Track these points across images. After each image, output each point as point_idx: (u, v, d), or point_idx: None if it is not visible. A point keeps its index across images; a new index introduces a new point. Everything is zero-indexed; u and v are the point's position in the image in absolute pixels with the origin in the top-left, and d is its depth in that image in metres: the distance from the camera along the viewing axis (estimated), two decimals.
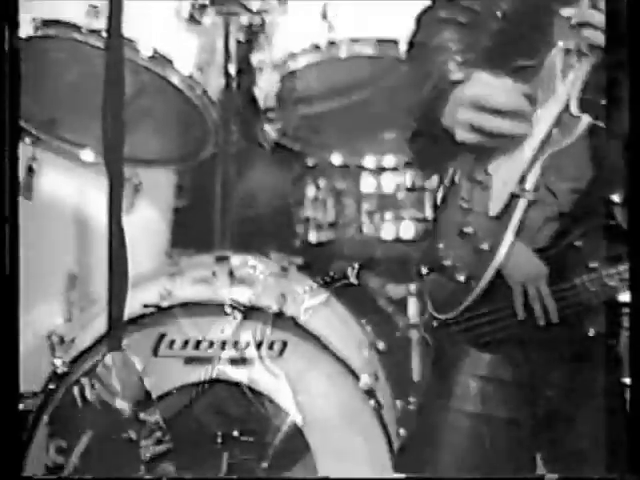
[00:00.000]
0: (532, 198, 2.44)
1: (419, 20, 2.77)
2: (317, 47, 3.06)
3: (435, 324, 2.59)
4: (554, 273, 2.52)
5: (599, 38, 2.38)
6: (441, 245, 2.56)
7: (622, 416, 2.59)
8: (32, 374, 2.83)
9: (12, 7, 2.58)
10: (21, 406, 2.81)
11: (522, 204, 2.42)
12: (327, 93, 3.25)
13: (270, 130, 3.18)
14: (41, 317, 2.90)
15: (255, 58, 3.11)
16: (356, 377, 2.80)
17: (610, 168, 2.47)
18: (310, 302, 3.04)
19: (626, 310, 2.74)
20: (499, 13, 2.66)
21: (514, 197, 2.43)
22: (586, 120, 2.35)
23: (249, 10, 3.01)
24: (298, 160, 3.31)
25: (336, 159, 3.26)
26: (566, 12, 2.52)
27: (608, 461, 2.65)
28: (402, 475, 2.64)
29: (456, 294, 2.51)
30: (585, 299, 2.54)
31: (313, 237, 3.28)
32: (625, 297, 2.66)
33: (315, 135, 3.30)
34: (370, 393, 2.79)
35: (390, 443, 2.82)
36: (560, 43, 2.46)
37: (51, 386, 2.77)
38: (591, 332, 2.54)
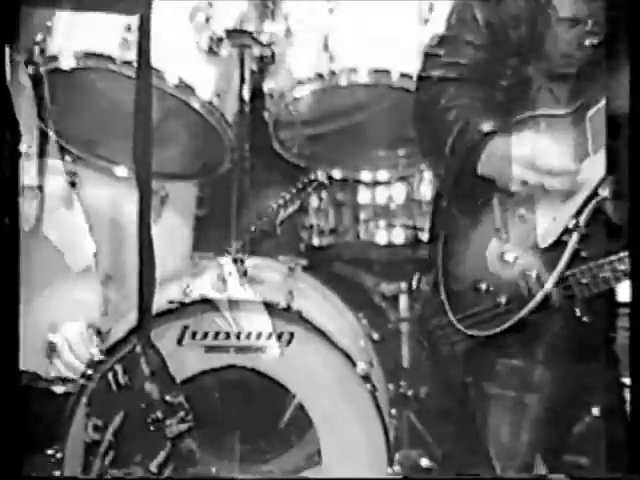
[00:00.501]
0: (585, 232, 2.55)
1: (425, 61, 2.77)
2: (320, 76, 3.08)
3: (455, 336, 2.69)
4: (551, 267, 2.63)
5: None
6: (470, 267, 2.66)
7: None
8: (74, 362, 2.84)
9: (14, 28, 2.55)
10: (63, 389, 2.84)
11: (575, 237, 2.54)
12: (328, 116, 3.28)
13: (279, 149, 3.22)
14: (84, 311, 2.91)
15: (266, 86, 3.13)
16: (354, 364, 2.81)
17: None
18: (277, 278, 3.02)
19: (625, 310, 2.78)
20: (509, 71, 2.70)
21: (567, 231, 2.55)
22: None
23: (260, 43, 3.03)
24: (303, 175, 3.32)
25: (336, 174, 3.29)
26: None
27: (608, 461, 2.80)
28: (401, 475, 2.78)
29: (494, 316, 2.62)
30: (578, 291, 2.61)
31: (316, 242, 3.32)
32: (621, 290, 2.77)
33: (318, 153, 3.31)
34: (366, 378, 2.81)
35: (383, 421, 2.81)
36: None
37: (90, 372, 2.72)
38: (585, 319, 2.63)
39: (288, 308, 2.80)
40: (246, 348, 2.84)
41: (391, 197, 3.27)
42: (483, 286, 2.59)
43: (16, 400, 2.49)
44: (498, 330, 2.58)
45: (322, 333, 2.82)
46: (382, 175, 3.27)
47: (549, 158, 2.48)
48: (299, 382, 2.87)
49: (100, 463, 2.58)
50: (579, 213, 2.59)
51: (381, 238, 3.28)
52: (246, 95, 3.04)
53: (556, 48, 2.66)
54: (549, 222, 2.55)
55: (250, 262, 2.97)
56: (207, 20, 3.00)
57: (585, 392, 2.79)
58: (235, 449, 2.88)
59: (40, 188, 2.87)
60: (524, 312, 2.58)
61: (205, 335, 2.82)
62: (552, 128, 2.61)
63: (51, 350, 2.86)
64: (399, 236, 3.24)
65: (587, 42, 2.64)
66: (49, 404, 2.87)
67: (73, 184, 2.90)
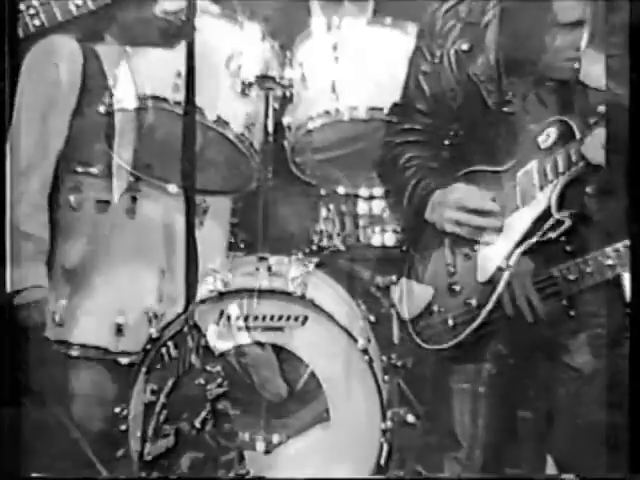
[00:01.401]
0: (513, 272, 2.61)
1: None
2: (327, 112, 3.12)
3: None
4: (537, 266, 2.66)
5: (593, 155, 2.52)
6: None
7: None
8: (136, 339, 2.88)
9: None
10: (128, 360, 2.86)
11: (506, 276, 2.61)
12: (334, 145, 3.26)
13: (295, 170, 3.26)
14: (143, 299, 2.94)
15: (285, 120, 3.15)
16: (355, 340, 2.84)
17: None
18: (294, 273, 3.01)
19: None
20: (452, 132, 2.71)
21: (499, 270, 2.62)
22: (567, 224, 2.56)
23: (281, 86, 3.07)
24: (314, 191, 3.35)
25: (340, 190, 3.31)
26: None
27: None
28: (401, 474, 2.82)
29: (442, 333, 2.71)
30: (565, 288, 2.63)
31: (325, 243, 3.30)
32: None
33: (326, 173, 3.32)
34: (364, 351, 2.84)
35: (378, 385, 2.82)
36: (534, 162, 2.60)
37: (148, 347, 2.76)
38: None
39: (303, 296, 2.85)
40: (269, 328, 2.86)
41: (384, 208, 3.27)
42: (435, 308, 2.69)
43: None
44: (446, 346, 2.68)
45: (330, 316, 2.85)
46: (377, 191, 3.28)
47: (477, 201, 2.58)
48: (311, 354, 2.89)
49: (156, 419, 2.65)
50: (510, 255, 2.61)
51: (376, 241, 3.28)
52: (270, 128, 3.07)
53: None
54: (487, 261, 2.62)
55: (273, 260, 2.97)
56: (239, 67, 3.00)
57: (529, 389, 2.79)
58: (261, 408, 2.89)
59: (107, 202, 2.90)
60: (463, 335, 2.63)
61: (237, 317, 2.84)
62: (485, 182, 2.64)
63: (118, 330, 2.87)
64: (390, 239, 3.24)
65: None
66: (116, 372, 2.88)
67: (135, 199, 2.91)
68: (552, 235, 2.55)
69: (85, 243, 2.91)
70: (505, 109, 2.62)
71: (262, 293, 2.87)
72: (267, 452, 2.85)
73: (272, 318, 2.85)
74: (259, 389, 2.79)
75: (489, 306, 2.61)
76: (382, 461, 2.84)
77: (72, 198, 2.86)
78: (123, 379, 2.83)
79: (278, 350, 2.88)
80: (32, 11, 2.58)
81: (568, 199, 2.58)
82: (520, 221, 2.58)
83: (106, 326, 2.92)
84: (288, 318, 2.86)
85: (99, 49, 2.91)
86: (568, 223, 2.55)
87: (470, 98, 2.61)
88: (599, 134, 2.48)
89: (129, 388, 2.81)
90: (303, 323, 2.86)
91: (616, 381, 2.61)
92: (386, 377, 2.97)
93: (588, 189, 2.63)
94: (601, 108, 2.51)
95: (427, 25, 2.73)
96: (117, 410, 2.78)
